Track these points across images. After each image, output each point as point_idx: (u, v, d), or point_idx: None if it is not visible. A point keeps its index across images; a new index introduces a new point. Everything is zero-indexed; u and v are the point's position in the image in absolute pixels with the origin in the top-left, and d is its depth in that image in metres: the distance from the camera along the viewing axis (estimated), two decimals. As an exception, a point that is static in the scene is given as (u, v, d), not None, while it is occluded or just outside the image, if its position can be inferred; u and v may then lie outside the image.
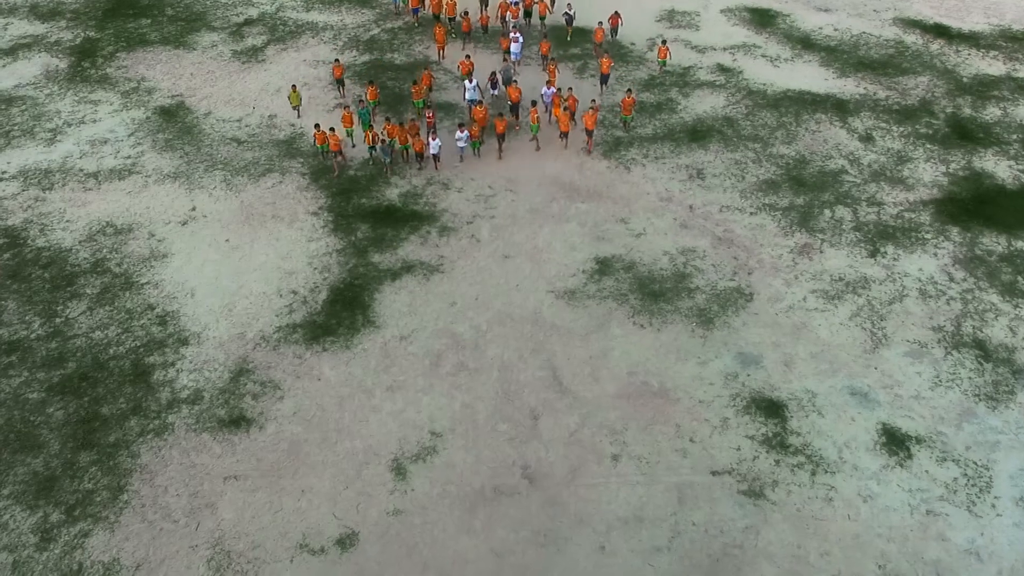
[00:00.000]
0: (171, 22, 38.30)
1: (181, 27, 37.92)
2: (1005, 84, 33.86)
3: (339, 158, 29.16)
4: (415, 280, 25.31)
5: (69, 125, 31.88)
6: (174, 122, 31.94)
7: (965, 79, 34.16)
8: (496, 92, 32.40)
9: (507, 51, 34.45)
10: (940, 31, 37.40)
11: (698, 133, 31.07)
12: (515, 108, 31.17)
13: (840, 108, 32.42)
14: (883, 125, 31.60)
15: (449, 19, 36.48)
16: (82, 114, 32.42)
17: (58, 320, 24.15)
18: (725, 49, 36.14)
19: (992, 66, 35.04)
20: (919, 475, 20.13)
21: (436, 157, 29.06)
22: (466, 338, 23.48)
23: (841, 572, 18.30)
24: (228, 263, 25.96)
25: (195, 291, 25.00)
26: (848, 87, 33.70)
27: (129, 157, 30.26)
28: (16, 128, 31.74)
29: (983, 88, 33.62)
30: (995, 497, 19.66)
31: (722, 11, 39.02)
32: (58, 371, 22.69)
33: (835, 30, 37.56)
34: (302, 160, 29.99)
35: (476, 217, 27.43)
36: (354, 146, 29.89)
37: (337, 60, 32.63)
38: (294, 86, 31.41)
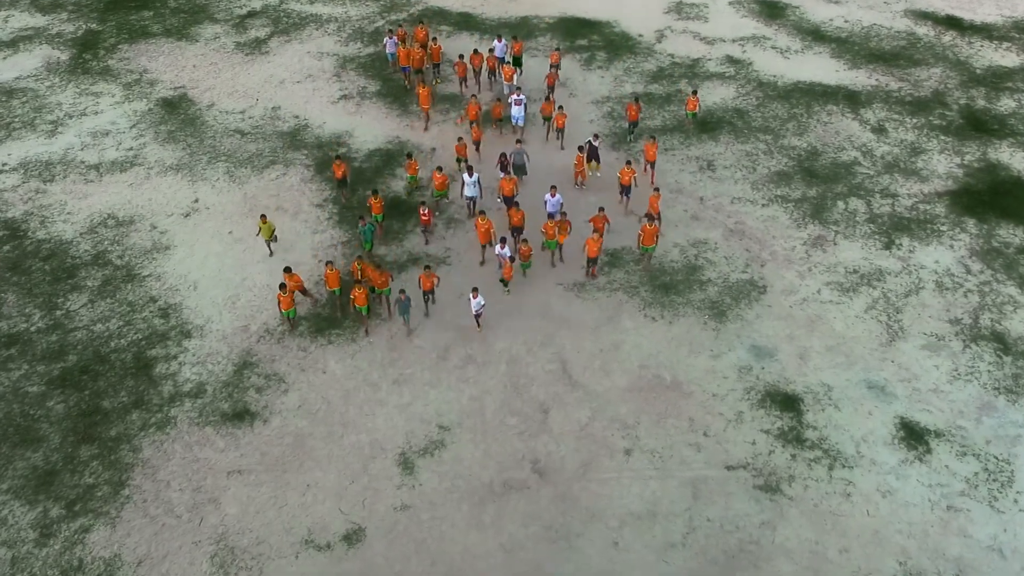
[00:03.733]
0: (173, 14, 37.90)
1: (184, 19, 37.51)
2: (1019, 75, 33.36)
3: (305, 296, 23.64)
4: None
5: (70, 117, 31.47)
6: (177, 114, 31.52)
7: (978, 71, 33.67)
8: (506, 175, 26.82)
9: (499, 119, 29.82)
10: (952, 23, 36.91)
11: (708, 125, 30.59)
12: (509, 201, 25.39)
13: (852, 100, 31.93)
14: (896, 117, 31.11)
15: (435, 66, 32.43)
16: (83, 106, 32.01)
17: (59, 313, 23.73)
18: (734, 41, 35.66)
19: (1005, 57, 34.54)
20: (939, 470, 19.66)
21: (478, 316, 22.72)
22: (474, 331, 23.01)
23: (860, 569, 17.83)
24: (231, 255, 25.53)
25: (198, 283, 24.57)
26: (860, 79, 33.21)
27: (131, 149, 29.85)
28: (17, 120, 31.34)
29: (997, 80, 33.13)
30: (1017, 492, 19.18)
31: (730, 3, 38.53)
32: (58, 364, 22.26)
33: (845, 22, 37.07)
34: (306, 152, 29.55)
35: (484, 209, 26.92)
36: (340, 306, 23.62)
37: (338, 156, 27.22)
38: (264, 216, 24.66)
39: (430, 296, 23.12)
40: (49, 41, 35.96)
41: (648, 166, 27.29)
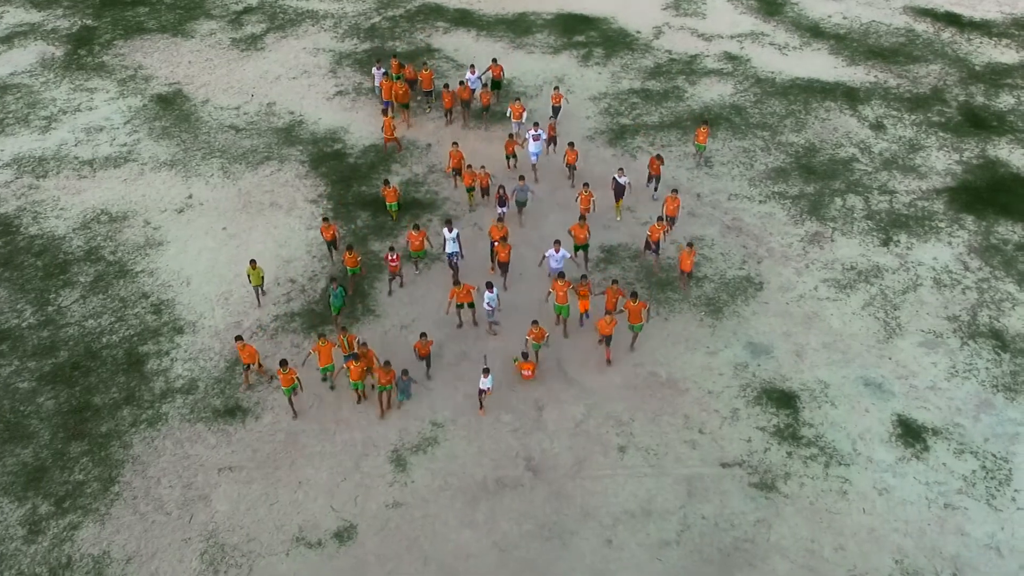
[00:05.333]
0: (169, 10, 37.74)
1: (179, 15, 37.36)
2: (1018, 72, 33.17)
3: (257, 371, 21.40)
4: (416, 269, 24.67)
5: (64, 113, 31.31)
6: (171, 110, 31.35)
7: (977, 67, 33.48)
8: (505, 211, 25.56)
9: (512, 155, 27.71)
10: (951, 19, 36.73)
11: (705, 121, 30.33)
12: (497, 244, 23.60)
13: (850, 96, 31.75)
14: (894, 113, 30.93)
15: (426, 93, 30.77)
16: (78, 102, 31.85)
17: (50, 308, 23.57)
18: (732, 37, 35.49)
19: (1005, 54, 34.35)
20: (936, 468, 19.48)
21: (483, 395, 20.50)
22: (468, 327, 22.83)
23: (856, 567, 17.65)
24: (225, 251, 25.36)
25: (191, 279, 24.40)
26: (858, 75, 33.03)
27: (125, 145, 29.68)
28: (10, 116, 31.18)
29: (996, 76, 32.94)
30: (1015, 490, 19.00)
31: (729, -1, 38.39)
32: (49, 360, 22.10)
33: (844, 18, 36.90)
34: (301, 148, 29.37)
35: (478, 205, 26.78)
36: (333, 387, 21.37)
37: (326, 218, 24.38)
38: (253, 261, 22.85)
39: (427, 360, 21.36)
40: (44, 37, 35.80)
41: (668, 222, 24.70)
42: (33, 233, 26.08)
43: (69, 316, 23.34)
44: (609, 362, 21.81)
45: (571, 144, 27.12)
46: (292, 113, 31.10)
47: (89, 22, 36.86)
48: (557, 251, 22.75)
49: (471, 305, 22.39)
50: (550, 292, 22.22)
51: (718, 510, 18.69)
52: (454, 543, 18.18)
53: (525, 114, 28.79)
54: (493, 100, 30.43)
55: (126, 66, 33.87)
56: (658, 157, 26.19)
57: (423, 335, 21.01)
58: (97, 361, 22.07)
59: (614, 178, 25.65)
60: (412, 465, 19.63)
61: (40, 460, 19.79)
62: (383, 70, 30.95)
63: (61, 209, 26.98)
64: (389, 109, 29.38)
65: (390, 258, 23.24)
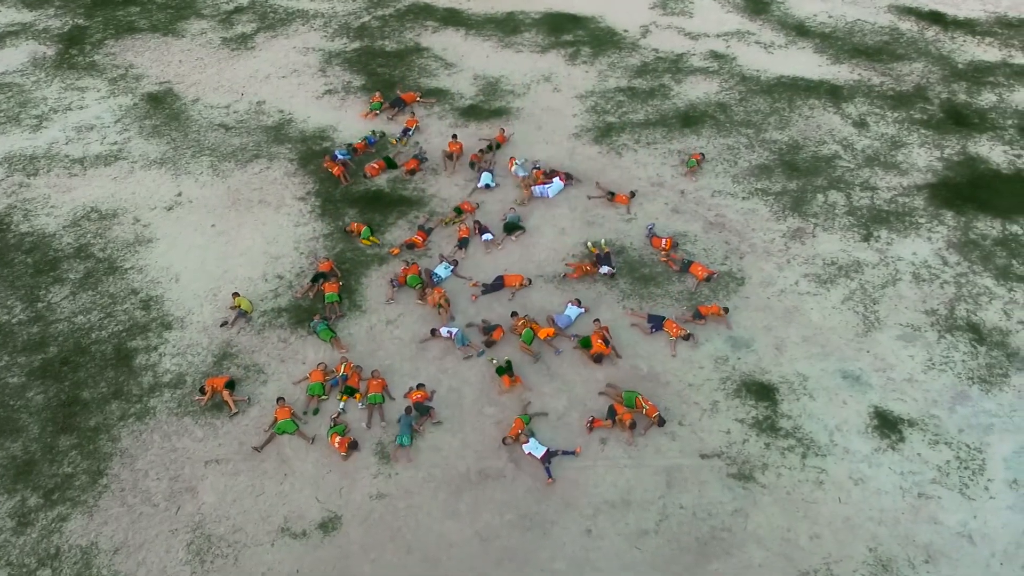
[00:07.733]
0: (160, 9, 37.99)
1: (170, 14, 37.61)
2: (1000, 70, 33.52)
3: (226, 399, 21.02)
4: (402, 265, 24.95)
5: (55, 112, 31.55)
6: (161, 108, 31.61)
7: (960, 65, 33.82)
8: (488, 238, 25.56)
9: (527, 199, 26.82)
10: (935, 18, 37.06)
11: (690, 119, 30.73)
12: (498, 284, 23.91)
13: (834, 94, 32.08)
14: (877, 111, 31.26)
15: (405, 131, 29.75)
16: (68, 101, 32.09)
17: (40, 305, 23.83)
18: (718, 36, 35.80)
19: (987, 52, 34.70)
20: (911, 458, 19.82)
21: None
22: (454, 322, 23.12)
23: (831, 555, 17.99)
24: (214, 248, 25.63)
25: (180, 276, 24.67)
26: (842, 73, 33.36)
27: (115, 143, 29.93)
28: (1, 114, 31.41)
29: (978, 74, 33.28)
30: (988, 480, 19.35)
31: (716, -2, 38.69)
32: (39, 355, 22.36)
33: (830, 17, 37.23)
34: (290, 146, 29.64)
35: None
36: (308, 418, 20.82)
37: (327, 257, 24.89)
38: (236, 294, 23.56)
39: (424, 408, 20.87)
40: (35, 36, 36.04)
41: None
42: (24, 230, 26.33)
43: (59, 312, 23.59)
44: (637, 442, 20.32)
45: (632, 193, 26.84)
46: (281, 112, 31.37)
47: (80, 22, 37.09)
48: (576, 307, 23.10)
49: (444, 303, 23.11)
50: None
51: (696, 500, 19.02)
52: (437, 533, 18.49)
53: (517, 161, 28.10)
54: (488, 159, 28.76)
55: (117, 65, 34.12)
56: (725, 310, 23.03)
57: (420, 385, 21.19)
58: (86, 356, 22.33)
59: (605, 258, 24.64)
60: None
61: (29, 453, 20.06)
62: (348, 155, 28.56)
63: (51, 207, 27.23)
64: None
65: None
